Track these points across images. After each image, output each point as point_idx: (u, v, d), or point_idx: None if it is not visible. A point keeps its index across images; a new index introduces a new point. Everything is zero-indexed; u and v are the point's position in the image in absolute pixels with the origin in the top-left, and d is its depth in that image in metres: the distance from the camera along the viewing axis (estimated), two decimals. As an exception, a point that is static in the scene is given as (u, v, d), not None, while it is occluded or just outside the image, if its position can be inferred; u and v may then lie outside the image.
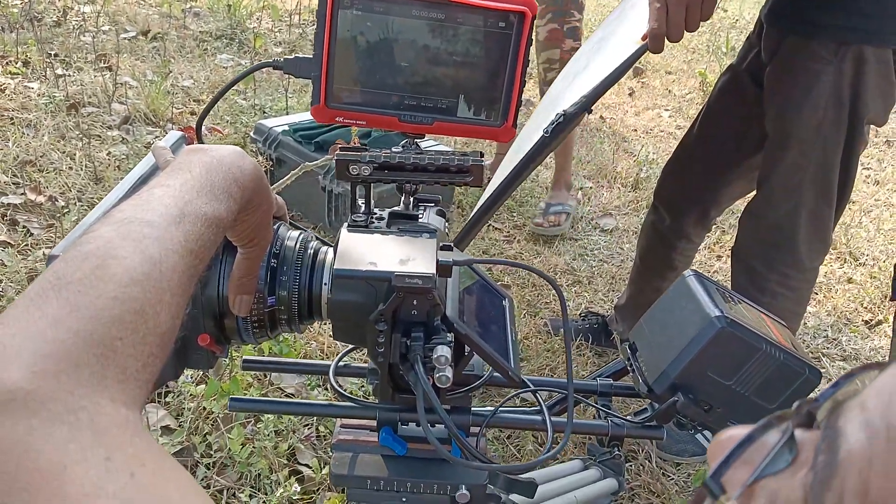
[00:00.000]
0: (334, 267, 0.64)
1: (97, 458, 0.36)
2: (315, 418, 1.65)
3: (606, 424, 0.79)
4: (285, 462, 1.52)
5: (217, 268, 0.68)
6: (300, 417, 1.63)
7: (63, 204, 2.43)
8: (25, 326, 0.40)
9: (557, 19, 2.47)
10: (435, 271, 0.63)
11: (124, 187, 0.70)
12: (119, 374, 0.41)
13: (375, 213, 0.73)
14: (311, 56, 0.74)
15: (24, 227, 2.28)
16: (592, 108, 1.18)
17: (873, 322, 2.40)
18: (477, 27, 0.74)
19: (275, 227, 0.70)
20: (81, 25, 4.02)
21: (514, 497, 1.27)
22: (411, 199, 0.77)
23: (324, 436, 1.60)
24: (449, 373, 0.65)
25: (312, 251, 0.71)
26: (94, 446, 0.37)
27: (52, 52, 3.59)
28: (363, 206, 0.72)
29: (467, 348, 0.71)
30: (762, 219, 1.51)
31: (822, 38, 1.33)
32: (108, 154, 2.76)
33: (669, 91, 4.63)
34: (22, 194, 2.44)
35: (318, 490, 1.49)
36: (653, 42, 1.18)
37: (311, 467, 1.51)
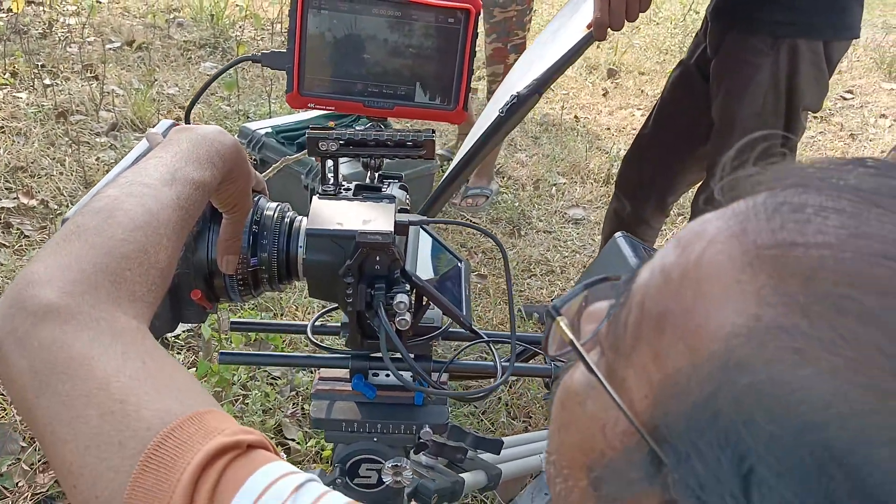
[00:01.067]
0: (306, 227, 0.75)
1: (116, 352, 0.47)
2: (300, 398, 1.75)
3: (551, 367, 0.90)
4: (272, 437, 1.62)
5: (206, 234, 0.79)
6: (286, 397, 1.73)
7: (55, 207, 2.52)
8: (55, 261, 0.51)
9: (502, 38, 2.72)
10: (392, 229, 0.74)
11: (124, 164, 0.80)
12: (129, 296, 0.52)
13: (343, 185, 0.84)
14: (285, 50, 0.85)
15: (17, 229, 2.37)
16: (542, 90, 1.30)
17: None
18: (429, 23, 0.85)
19: (255, 199, 0.81)
20: (67, 37, 4.11)
21: (482, 455, 1.38)
22: (376, 174, 0.88)
23: (308, 412, 1.71)
24: (408, 317, 0.76)
25: (289, 219, 0.82)
26: (112, 344, 0.48)
27: (40, 63, 3.67)
28: (332, 178, 0.83)
29: (425, 300, 0.82)
30: (711, 202, 1.63)
31: (760, 33, 1.45)
32: (96, 159, 2.86)
33: (642, 91, 4.76)
34: (15, 198, 2.53)
35: (303, 461, 1.59)
36: (597, 30, 1.30)
37: (297, 441, 1.62)
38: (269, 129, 2.60)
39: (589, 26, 1.30)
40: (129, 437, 0.43)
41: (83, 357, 0.46)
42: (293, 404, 1.73)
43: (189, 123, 0.91)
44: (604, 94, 4.60)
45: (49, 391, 0.46)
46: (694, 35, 1.72)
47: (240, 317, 1.76)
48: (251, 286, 0.81)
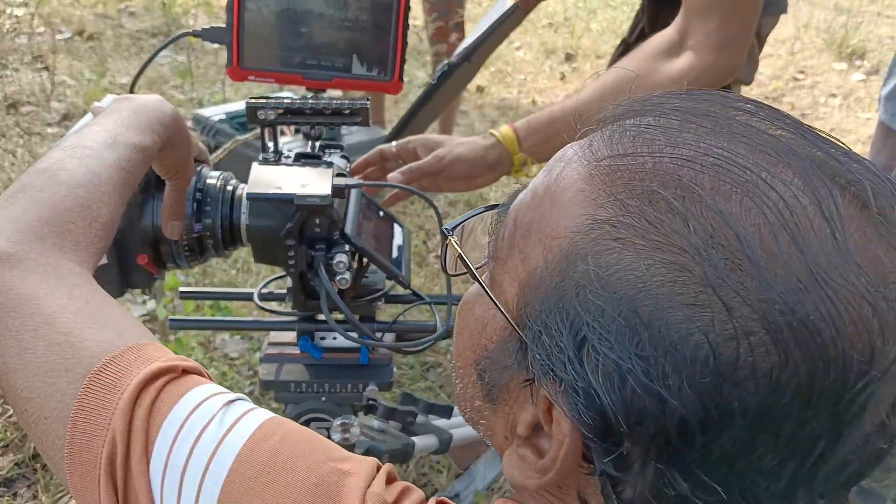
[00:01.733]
0: (246, 191, 0.79)
1: (61, 293, 0.51)
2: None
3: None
4: (231, 414, 1.65)
5: (150, 203, 0.82)
6: (244, 375, 1.76)
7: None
8: (4, 215, 0.55)
9: (442, 18, 2.77)
10: (330, 192, 0.78)
11: (68, 136, 0.83)
12: (73, 245, 0.55)
13: (283, 154, 0.87)
14: (225, 25, 0.88)
15: (-31, 219, 2.36)
16: (472, 58, 1.36)
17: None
18: (363, -4, 0.89)
19: (199, 168, 0.84)
20: (16, 28, 4.05)
21: (433, 419, 1.42)
22: (316, 143, 0.92)
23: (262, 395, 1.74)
24: (348, 276, 0.80)
25: (232, 187, 0.85)
26: (58, 286, 0.51)
27: (-12, 55, 3.63)
28: (272, 146, 0.87)
29: (366, 262, 0.86)
30: None
31: (689, 9, 1.51)
32: (48, 149, 2.84)
33: (599, 74, 4.84)
34: (-34, 189, 2.51)
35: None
36: (522, 1, 1.36)
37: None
38: (223, 116, 2.60)
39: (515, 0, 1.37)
40: (74, 364, 0.47)
41: (31, 297, 0.50)
42: (250, 383, 1.76)
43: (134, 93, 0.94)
44: (561, 78, 4.67)
45: (0, 328, 0.49)
46: (634, 14, 1.77)
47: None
48: (197, 252, 0.85)
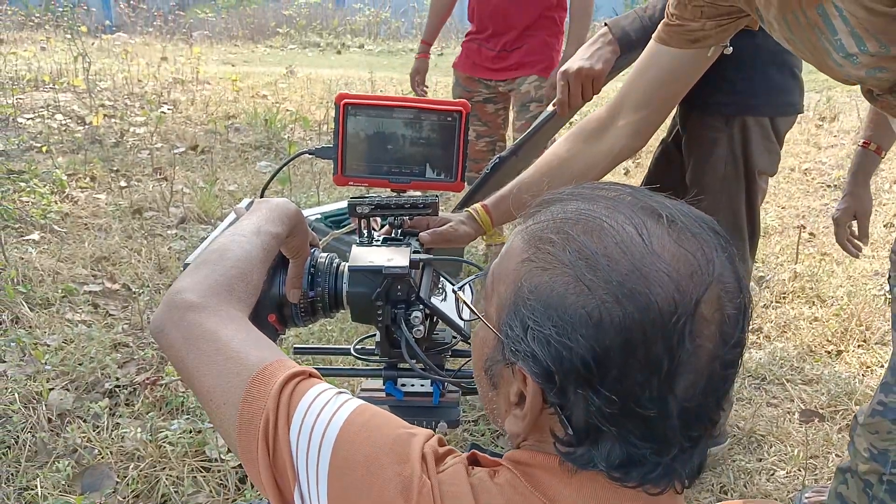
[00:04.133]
0: (348, 265, 1.07)
1: (232, 326, 0.78)
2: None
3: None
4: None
5: (277, 276, 1.10)
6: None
7: (135, 289, 2.90)
8: (192, 278, 0.83)
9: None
10: (408, 264, 1.05)
11: (221, 227, 1.13)
12: (237, 300, 0.83)
13: (374, 238, 1.15)
14: (331, 145, 1.19)
15: (104, 308, 2.75)
16: (519, 153, 1.66)
17: (835, 352, 2.73)
18: (434, 121, 1.18)
19: (312, 251, 1.13)
20: (138, 144, 4.64)
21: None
22: (398, 231, 1.20)
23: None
24: (422, 328, 1.06)
25: (336, 264, 1.13)
26: (230, 322, 0.79)
27: (115, 168, 4.17)
28: (366, 233, 1.15)
29: (436, 319, 1.12)
30: None
31: (714, 113, 1.77)
32: (169, 248, 3.26)
33: (638, 163, 5.07)
34: (100, 283, 2.92)
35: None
36: (559, 108, 1.66)
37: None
38: (319, 216, 2.97)
39: (553, 105, 1.66)
40: (242, 370, 0.73)
41: (213, 330, 0.77)
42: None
43: (264, 196, 1.25)
44: (625, 174, 4.93)
45: (195, 349, 0.76)
46: (672, 117, 2.03)
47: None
48: (310, 313, 1.12)
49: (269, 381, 0.72)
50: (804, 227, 3.87)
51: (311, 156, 1.22)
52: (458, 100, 1.21)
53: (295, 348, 1.26)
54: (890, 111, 1.12)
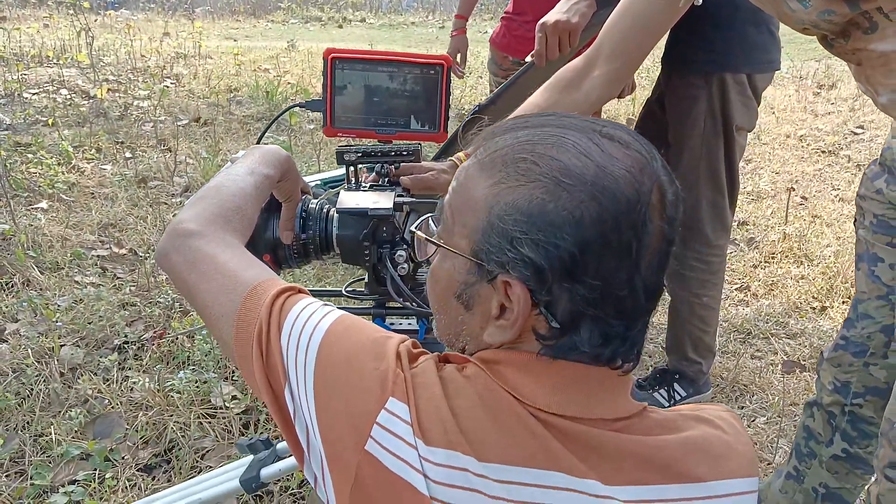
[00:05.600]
0: (336, 207, 1.15)
1: (229, 251, 0.87)
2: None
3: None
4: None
5: (271, 221, 1.18)
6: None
7: (141, 254, 2.99)
8: (191, 211, 0.91)
9: None
10: (392, 206, 1.13)
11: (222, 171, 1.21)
12: (233, 230, 0.91)
13: (361, 184, 1.23)
14: (321, 98, 1.26)
15: (111, 272, 2.84)
16: (498, 101, 1.73)
17: (819, 308, 2.81)
18: (417, 74, 1.26)
19: (304, 196, 1.21)
20: (142, 117, 4.71)
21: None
22: (385, 178, 1.28)
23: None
24: (406, 266, 1.14)
25: (327, 209, 1.22)
26: (227, 248, 0.87)
27: (120, 141, 4.25)
28: (353, 179, 1.23)
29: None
30: None
31: (694, 71, 1.83)
32: (173, 216, 3.34)
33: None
34: (108, 248, 3.01)
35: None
36: (536, 59, 1.73)
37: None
38: (319, 182, 3.05)
39: (531, 56, 1.72)
40: (238, 286, 0.82)
41: (212, 253, 0.86)
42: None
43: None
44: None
45: (196, 270, 0.85)
46: (656, 81, 2.10)
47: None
48: (303, 255, 1.20)
49: (263, 295, 0.80)
50: (794, 189, 3.93)
51: (298, 121, 1.29)
52: (439, 54, 1.28)
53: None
54: (845, 57, 1.19)
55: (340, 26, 10.88)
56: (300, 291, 0.83)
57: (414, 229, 0.81)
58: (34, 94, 4.97)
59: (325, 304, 0.82)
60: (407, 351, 0.74)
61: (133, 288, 2.72)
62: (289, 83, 5.74)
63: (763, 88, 1.87)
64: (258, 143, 1.30)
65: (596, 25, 1.78)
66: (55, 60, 5.83)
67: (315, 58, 6.94)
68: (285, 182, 1.09)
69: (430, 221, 0.83)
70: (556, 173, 0.66)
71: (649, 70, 6.58)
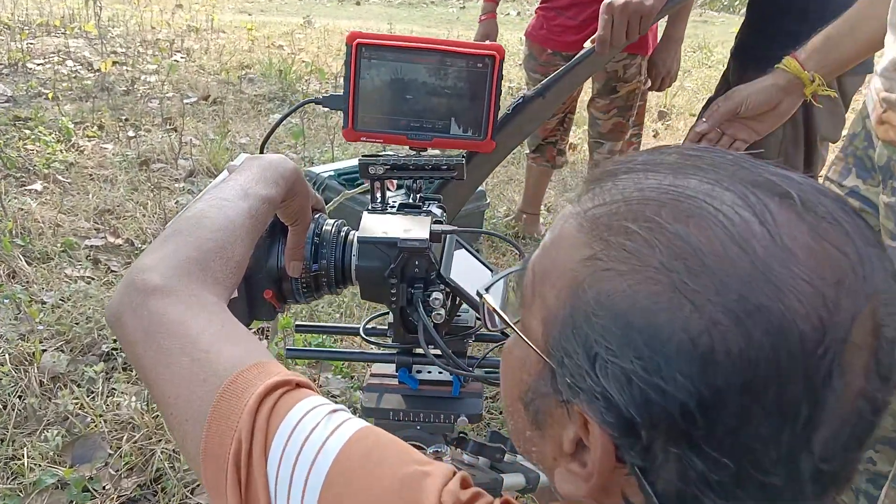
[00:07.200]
0: (358, 235, 0.91)
1: (202, 317, 0.62)
2: (357, 415, 1.89)
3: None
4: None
5: (276, 246, 0.94)
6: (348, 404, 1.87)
7: (139, 245, 2.76)
8: (158, 254, 0.67)
9: (624, 113, 2.68)
10: (428, 237, 0.89)
11: (208, 190, 0.97)
12: (213, 280, 0.67)
13: (389, 203, 0.99)
14: (342, 93, 1.02)
15: (105, 264, 2.61)
16: (546, 94, 1.47)
17: None
18: (461, 67, 1.01)
19: (316, 216, 0.97)
20: (148, 93, 4.47)
21: (521, 459, 1.49)
22: (417, 195, 1.03)
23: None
24: (442, 312, 0.90)
25: (344, 233, 0.97)
26: (200, 312, 0.63)
27: (124, 118, 4.01)
28: (379, 197, 0.99)
29: (459, 300, 0.96)
30: None
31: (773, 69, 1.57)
32: (176, 203, 3.11)
33: (694, 133, 4.85)
34: (102, 238, 2.78)
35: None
36: (598, 45, 1.46)
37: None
38: (332, 172, 2.80)
39: (593, 41, 1.47)
40: (211, 376, 0.58)
41: (179, 321, 0.62)
42: (355, 413, 1.87)
43: (263, 152, 1.09)
44: (654, 136, 4.71)
45: (155, 345, 0.61)
46: (722, 74, 1.84)
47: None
48: (313, 289, 0.96)
49: (244, 392, 0.57)
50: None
51: (318, 105, 1.05)
52: (490, 42, 1.03)
53: (297, 326, 1.11)
54: None
55: (358, 3, 10.57)
56: (300, 385, 0.59)
57: (483, 292, 0.57)
58: (39, 64, 4.73)
59: (337, 410, 0.57)
60: (454, 499, 0.50)
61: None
62: (303, 61, 5.48)
63: (853, 94, 1.61)
64: (261, 149, 1.05)
65: (670, 8, 1.52)
66: (62, 30, 5.59)
67: (331, 36, 6.67)
68: (291, 202, 0.85)
69: (509, 284, 0.59)
70: (677, 265, 0.41)
71: (687, 58, 6.30)
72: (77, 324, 2.21)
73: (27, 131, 3.58)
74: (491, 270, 1.07)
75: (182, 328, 0.61)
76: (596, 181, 0.50)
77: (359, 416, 0.61)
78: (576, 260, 0.46)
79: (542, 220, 3.23)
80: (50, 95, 4.12)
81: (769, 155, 1.54)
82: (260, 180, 0.78)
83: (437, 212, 1.02)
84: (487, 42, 1.04)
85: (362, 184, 1.16)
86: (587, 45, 1.50)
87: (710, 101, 1.84)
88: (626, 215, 0.44)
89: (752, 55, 1.64)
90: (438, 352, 0.90)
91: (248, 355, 0.60)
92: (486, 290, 0.57)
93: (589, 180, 0.51)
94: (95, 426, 1.85)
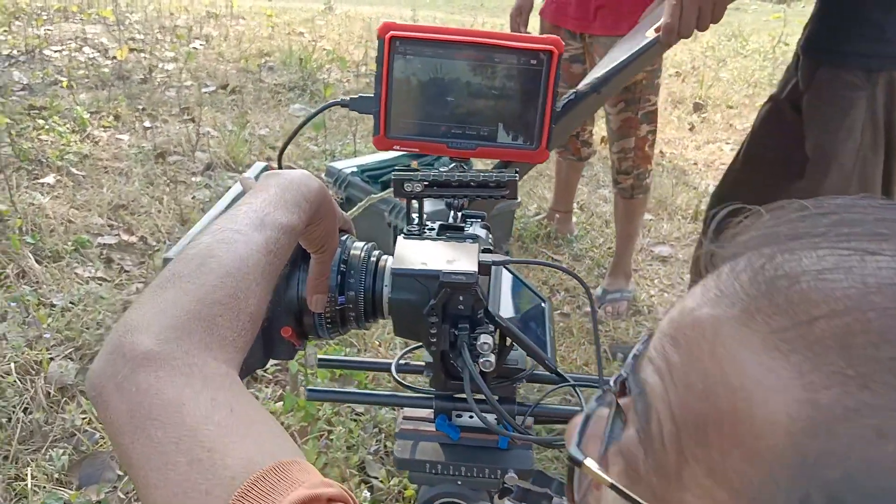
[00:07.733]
0: (392, 266, 0.76)
1: (205, 398, 0.48)
2: (383, 435, 1.76)
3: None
4: (356, 472, 1.63)
5: (296, 274, 0.81)
6: (369, 433, 1.74)
7: (153, 244, 2.64)
8: (152, 307, 0.53)
9: (632, 106, 2.40)
10: (476, 269, 0.74)
11: (220, 207, 0.84)
12: (220, 341, 0.53)
13: (427, 225, 0.84)
14: (373, 95, 0.87)
15: (118, 264, 2.50)
16: (602, 89, 1.30)
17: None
18: (512, 65, 0.86)
19: (343, 238, 0.83)
20: (166, 81, 4.35)
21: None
22: (459, 213, 0.89)
23: (390, 450, 1.71)
24: (492, 359, 0.76)
25: (375, 259, 0.83)
26: (203, 390, 0.49)
27: (140, 107, 3.89)
28: (416, 219, 0.84)
29: (509, 341, 0.81)
30: None
31: (853, 67, 1.40)
32: (192, 198, 2.99)
33: (731, 125, 4.66)
34: (116, 235, 2.66)
35: (385, 500, 1.59)
36: (665, 34, 1.29)
37: (379, 479, 1.62)
38: (355, 168, 2.66)
39: (657, 30, 1.30)
40: (216, 486, 0.44)
41: (175, 403, 0.48)
42: (376, 441, 1.74)
43: (280, 166, 0.95)
44: (690, 129, 4.53)
45: (143, 436, 0.47)
46: (785, 69, 1.67)
47: (325, 353, 1.80)
48: (339, 324, 0.83)
49: None
50: None
51: (343, 108, 0.90)
52: (545, 36, 0.88)
53: (319, 360, 0.98)
54: None
55: (381, -12, 10.39)
56: (332, 501, 0.45)
57: (576, 454, 0.37)
58: (56, 51, 4.62)
59: None
60: None
61: (140, 286, 2.37)
62: (324, 49, 5.33)
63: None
64: (279, 158, 0.92)
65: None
66: (80, 16, 5.48)
67: (353, 22, 6.51)
68: (316, 227, 0.71)
69: (614, 416, 0.38)
70: None
71: (722, 47, 6.11)
72: (87, 329, 2.09)
73: (41, 121, 3.47)
74: (543, 301, 0.93)
75: (178, 415, 0.47)
76: (751, 238, 0.34)
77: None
78: (789, 409, 0.28)
79: (574, 218, 3.06)
80: (65, 84, 4.01)
81: (845, 161, 1.38)
82: (279, 204, 0.64)
83: (483, 233, 0.87)
84: (542, 35, 0.89)
85: (388, 181, 1.02)
86: (650, 34, 1.33)
87: (771, 100, 1.67)
88: (877, 336, 0.28)
89: (826, 50, 1.47)
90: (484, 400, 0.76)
91: (264, 452, 0.46)
92: (579, 445, 0.38)
93: (739, 244, 0.35)
94: (105, 443, 1.73)
